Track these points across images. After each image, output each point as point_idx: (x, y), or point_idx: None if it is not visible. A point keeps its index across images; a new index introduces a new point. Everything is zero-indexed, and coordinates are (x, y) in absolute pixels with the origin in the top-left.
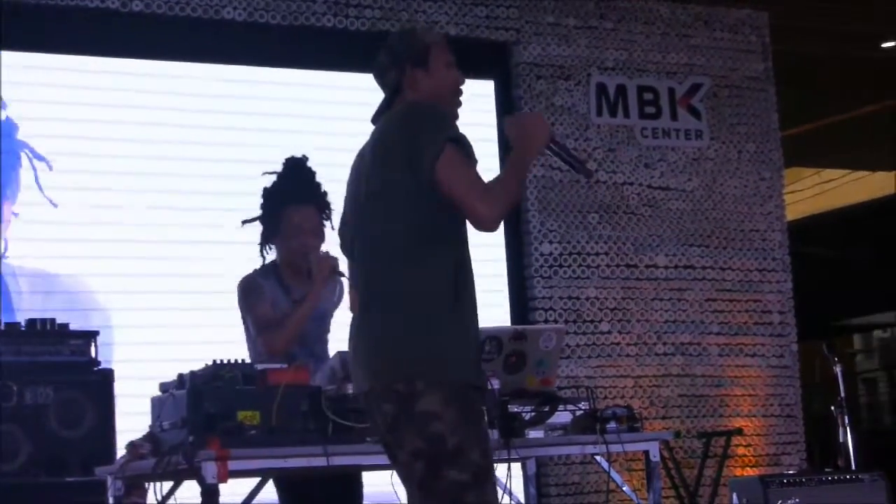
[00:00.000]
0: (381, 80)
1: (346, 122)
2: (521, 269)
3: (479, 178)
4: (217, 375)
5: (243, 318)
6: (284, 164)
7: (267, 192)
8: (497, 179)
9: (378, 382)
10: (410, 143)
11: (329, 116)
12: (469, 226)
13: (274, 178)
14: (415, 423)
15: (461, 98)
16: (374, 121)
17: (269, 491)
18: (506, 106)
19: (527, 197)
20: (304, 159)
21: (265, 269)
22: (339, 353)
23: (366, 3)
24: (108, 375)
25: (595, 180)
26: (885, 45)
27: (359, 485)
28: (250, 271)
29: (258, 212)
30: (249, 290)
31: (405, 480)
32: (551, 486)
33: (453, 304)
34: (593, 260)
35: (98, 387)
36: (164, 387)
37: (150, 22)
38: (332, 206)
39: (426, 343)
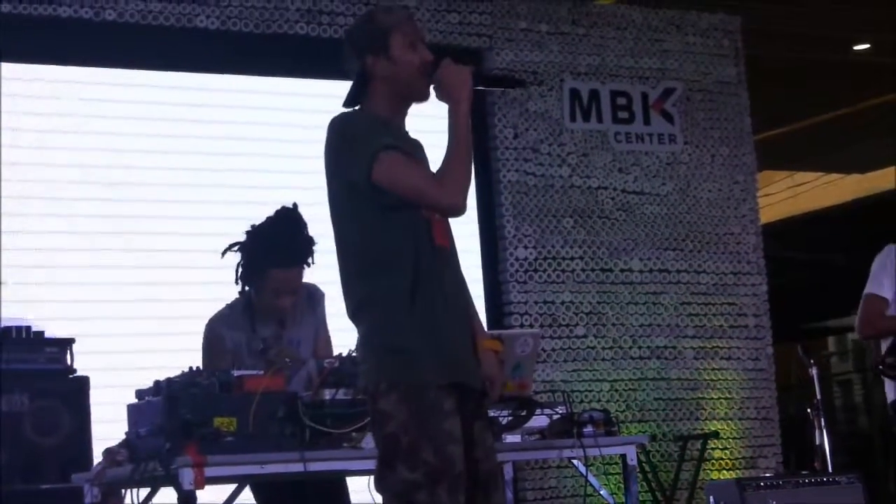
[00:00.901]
0: (348, 70)
1: (318, 131)
2: (496, 275)
3: (425, 171)
4: (193, 382)
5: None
6: (276, 216)
7: (255, 244)
8: (445, 159)
9: (361, 385)
10: (341, 161)
11: (302, 125)
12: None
13: (263, 226)
14: (375, 422)
15: (431, 74)
16: (345, 105)
17: (247, 496)
18: (479, 111)
19: (501, 202)
20: (294, 210)
21: (233, 311)
22: (315, 360)
23: (339, 10)
24: (83, 383)
25: (569, 185)
26: (858, 48)
27: (344, 490)
28: (220, 310)
29: (240, 239)
30: (210, 344)
31: None
32: (528, 490)
33: (411, 306)
34: (568, 264)
35: (74, 394)
36: (140, 393)
37: (122, 31)
38: (315, 249)
39: (385, 346)
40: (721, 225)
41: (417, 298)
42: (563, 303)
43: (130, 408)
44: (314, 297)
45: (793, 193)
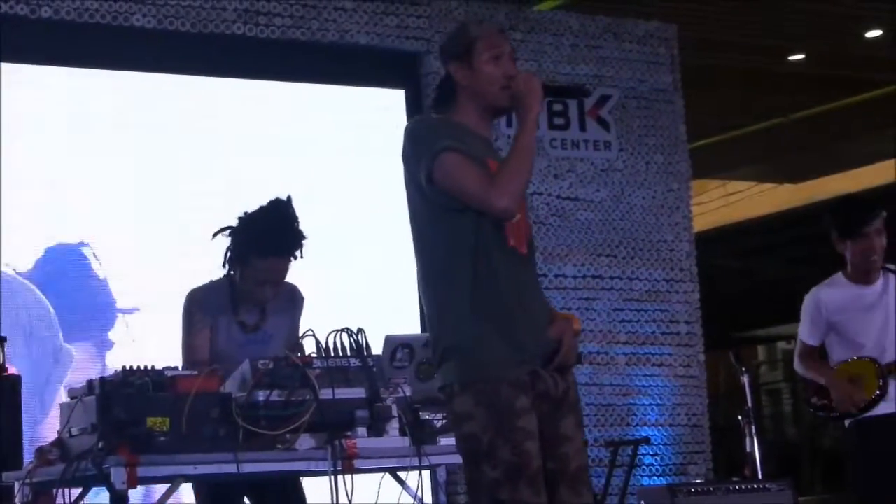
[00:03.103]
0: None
1: (255, 130)
2: None
3: (479, 173)
4: (127, 382)
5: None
6: (268, 206)
7: (243, 229)
8: (503, 162)
9: (438, 385)
10: (410, 164)
11: (238, 124)
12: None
13: (254, 214)
14: (454, 423)
15: (516, 87)
16: (433, 108)
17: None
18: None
19: None
20: (288, 203)
21: (219, 284)
22: (250, 361)
23: (276, 11)
24: (15, 382)
25: None
26: (792, 58)
27: (300, 491)
28: (202, 285)
29: (229, 225)
30: (191, 312)
31: None
32: (460, 494)
33: (478, 307)
34: None
35: (5, 393)
36: (73, 392)
37: (58, 28)
38: (304, 243)
39: (454, 347)
40: (654, 232)
41: (484, 299)
42: None
43: (63, 407)
44: (295, 297)
45: (726, 202)
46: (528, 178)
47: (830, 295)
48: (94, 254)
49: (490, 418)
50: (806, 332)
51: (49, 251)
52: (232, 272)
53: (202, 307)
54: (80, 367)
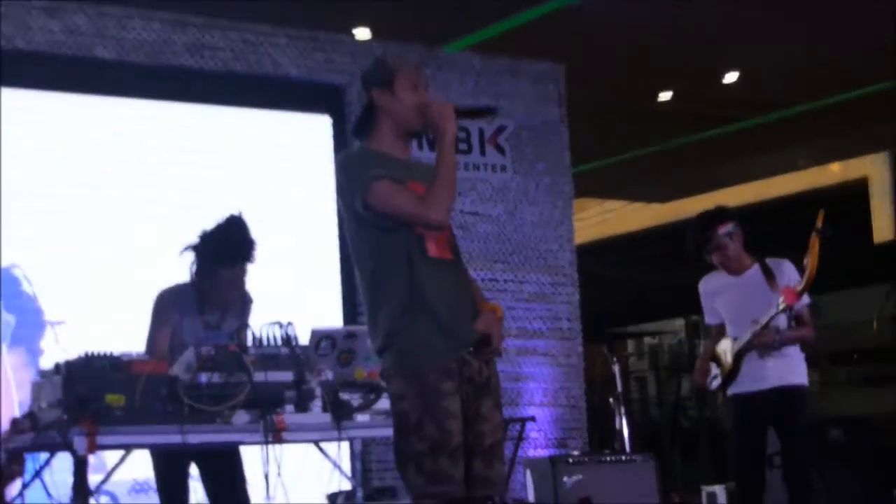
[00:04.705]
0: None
1: (191, 151)
2: (352, 277)
3: (410, 195)
4: (89, 364)
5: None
6: (224, 222)
7: (204, 245)
8: (430, 181)
9: (381, 369)
10: (345, 194)
11: (172, 146)
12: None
13: (213, 230)
14: (390, 401)
15: (431, 114)
16: (353, 132)
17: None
18: (341, 139)
19: None
20: (240, 218)
21: (186, 289)
22: (194, 348)
23: (219, 45)
24: None
25: None
26: (662, 95)
27: (237, 461)
28: (171, 286)
29: (190, 244)
30: (158, 310)
31: None
32: (374, 462)
33: (408, 307)
34: None
35: None
36: (42, 373)
37: (26, 58)
38: (256, 250)
39: (391, 339)
40: (542, 243)
41: (415, 301)
42: None
43: (34, 385)
44: (246, 300)
45: (603, 218)
46: (454, 191)
47: (708, 281)
48: (24, 275)
49: (419, 399)
50: (705, 315)
51: None
52: (199, 281)
53: (169, 307)
54: (16, 371)
